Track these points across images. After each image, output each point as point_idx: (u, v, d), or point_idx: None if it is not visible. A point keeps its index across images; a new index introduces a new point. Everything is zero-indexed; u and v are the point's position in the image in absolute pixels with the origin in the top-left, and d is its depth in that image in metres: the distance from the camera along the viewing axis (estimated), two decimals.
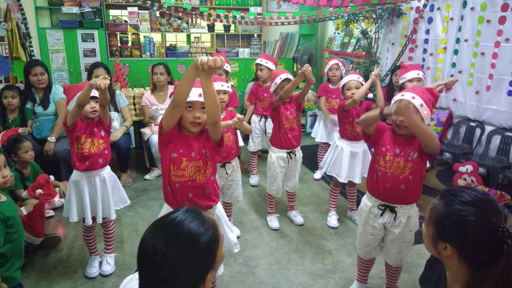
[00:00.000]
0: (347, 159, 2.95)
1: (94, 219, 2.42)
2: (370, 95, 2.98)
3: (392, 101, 1.95)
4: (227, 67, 3.30)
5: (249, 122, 4.13)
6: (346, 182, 3.00)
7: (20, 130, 3.45)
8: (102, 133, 2.40)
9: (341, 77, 3.70)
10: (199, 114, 1.77)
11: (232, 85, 3.80)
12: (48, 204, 3.23)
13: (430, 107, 1.87)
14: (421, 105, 1.83)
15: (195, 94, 1.73)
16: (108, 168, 2.44)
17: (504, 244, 1.02)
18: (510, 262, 1.01)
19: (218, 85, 2.40)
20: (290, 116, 2.90)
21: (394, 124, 1.96)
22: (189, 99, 1.71)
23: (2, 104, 3.58)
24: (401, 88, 3.02)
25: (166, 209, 1.92)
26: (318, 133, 4.08)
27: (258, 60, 3.80)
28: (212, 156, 1.87)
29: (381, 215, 2.02)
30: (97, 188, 2.36)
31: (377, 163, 2.01)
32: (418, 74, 3.00)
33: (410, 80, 2.99)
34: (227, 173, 2.69)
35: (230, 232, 2.05)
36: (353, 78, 2.87)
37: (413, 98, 1.83)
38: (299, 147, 3.01)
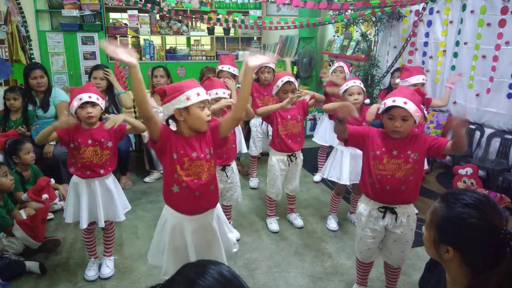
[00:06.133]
0: (348, 162, 2.92)
1: (94, 222, 2.40)
2: (367, 101, 2.96)
3: (382, 105, 1.95)
4: (234, 71, 3.29)
5: (249, 126, 4.12)
6: (347, 184, 2.94)
7: (18, 131, 3.46)
8: (110, 144, 2.33)
9: (344, 79, 3.66)
10: (209, 111, 1.83)
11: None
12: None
13: (421, 108, 1.92)
14: (415, 110, 1.86)
15: (204, 93, 1.80)
16: (110, 175, 2.39)
17: (507, 247, 1.02)
18: None
19: (220, 92, 2.45)
20: (291, 121, 2.86)
21: (389, 130, 1.96)
22: (200, 98, 1.76)
23: (6, 106, 3.59)
24: None
25: (167, 211, 1.91)
26: (319, 135, 4.05)
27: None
28: (215, 154, 1.90)
29: (383, 217, 2.01)
30: (97, 193, 2.31)
31: (373, 167, 1.99)
32: (424, 79, 3.02)
33: (414, 85, 2.99)
34: (227, 176, 2.69)
35: (229, 232, 2.07)
36: (355, 83, 2.82)
37: (405, 103, 1.84)
38: (300, 150, 2.99)
